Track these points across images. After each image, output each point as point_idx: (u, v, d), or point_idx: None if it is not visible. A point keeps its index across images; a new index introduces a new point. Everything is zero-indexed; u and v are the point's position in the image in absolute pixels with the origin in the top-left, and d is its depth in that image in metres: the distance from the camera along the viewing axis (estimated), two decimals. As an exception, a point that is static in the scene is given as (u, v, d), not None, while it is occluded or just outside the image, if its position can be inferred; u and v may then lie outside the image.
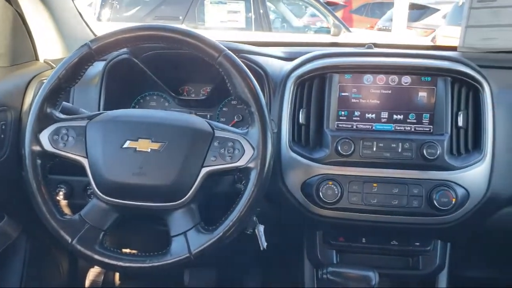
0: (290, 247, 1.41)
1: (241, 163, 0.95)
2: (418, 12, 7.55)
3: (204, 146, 0.96)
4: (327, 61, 1.18)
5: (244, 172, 0.96)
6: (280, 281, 1.65)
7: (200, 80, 1.35)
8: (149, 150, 0.95)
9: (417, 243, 1.24)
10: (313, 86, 1.18)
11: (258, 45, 1.38)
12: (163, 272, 0.96)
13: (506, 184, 1.13)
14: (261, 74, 1.21)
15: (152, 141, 0.96)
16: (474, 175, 1.11)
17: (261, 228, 1.10)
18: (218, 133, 0.98)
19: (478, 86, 1.13)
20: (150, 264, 0.95)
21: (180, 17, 5.26)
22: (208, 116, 1.35)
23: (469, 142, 1.14)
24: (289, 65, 1.23)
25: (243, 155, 0.95)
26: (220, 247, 0.95)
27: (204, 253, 0.94)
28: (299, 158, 1.15)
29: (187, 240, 0.95)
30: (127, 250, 1.22)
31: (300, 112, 1.17)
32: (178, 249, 0.95)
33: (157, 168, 0.95)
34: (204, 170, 0.96)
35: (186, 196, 0.96)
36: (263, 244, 1.11)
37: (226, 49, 0.96)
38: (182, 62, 1.25)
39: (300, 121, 1.17)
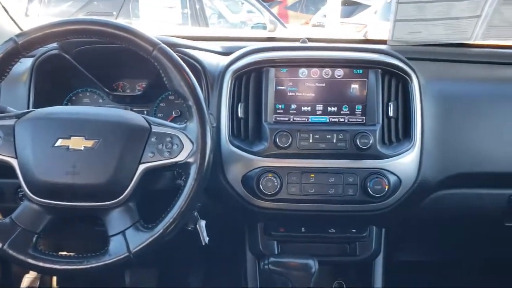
0: (232, 240, 1.41)
1: (180, 158, 0.94)
2: (350, 8, 7.78)
3: (140, 142, 0.95)
4: (263, 55, 1.19)
5: (183, 167, 0.95)
6: (223, 275, 1.65)
7: (135, 75, 1.32)
8: (82, 148, 0.92)
9: (354, 230, 1.29)
10: (251, 80, 1.19)
11: (194, 40, 1.37)
12: (103, 273, 0.94)
13: (435, 171, 1.20)
14: (198, 68, 1.20)
15: (86, 139, 0.93)
16: (405, 163, 1.16)
17: (202, 223, 1.09)
18: (155, 129, 0.96)
19: (407, 78, 1.19)
20: (88, 266, 0.92)
21: (114, 13, 5.12)
22: (145, 112, 1.32)
23: (400, 131, 1.19)
24: (226, 59, 1.23)
25: (182, 150, 0.95)
26: (160, 244, 0.94)
27: (144, 252, 0.93)
28: (239, 151, 1.16)
29: (126, 239, 0.93)
30: (64, 253, 1.17)
31: (239, 106, 1.18)
32: (116, 249, 0.93)
33: (91, 166, 0.93)
34: (141, 167, 0.94)
35: (124, 195, 0.94)
36: (205, 239, 1.11)
37: (161, 43, 0.95)
38: (115, 57, 1.22)
39: (239, 115, 1.18)
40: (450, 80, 1.33)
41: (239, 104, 1.18)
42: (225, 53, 1.31)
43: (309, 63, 1.19)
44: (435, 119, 1.20)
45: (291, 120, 1.19)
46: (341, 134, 1.16)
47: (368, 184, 1.14)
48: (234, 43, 1.40)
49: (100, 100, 1.33)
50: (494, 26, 1.43)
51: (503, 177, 1.23)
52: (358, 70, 1.19)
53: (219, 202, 1.23)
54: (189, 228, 1.07)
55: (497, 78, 1.36)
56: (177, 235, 0.96)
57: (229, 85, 1.17)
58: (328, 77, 1.19)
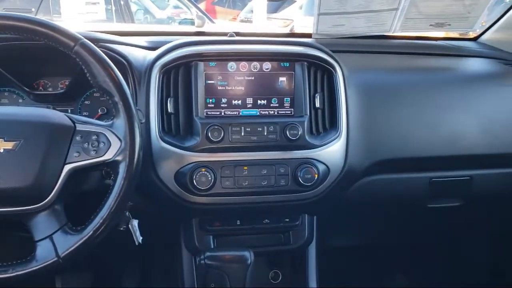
0: (167, 238, 1.40)
1: (107, 156, 0.91)
2: (277, 3, 7.91)
3: (64, 141, 0.91)
4: (191, 49, 1.18)
5: (111, 166, 0.92)
6: (160, 274, 1.63)
7: (57, 73, 1.26)
8: (1, 150, 0.87)
9: (287, 220, 1.31)
10: (179, 75, 1.18)
11: (119, 35, 1.33)
12: (32, 281, 0.89)
13: (361, 158, 1.25)
14: (124, 63, 1.17)
15: (5, 140, 0.88)
16: (332, 152, 1.20)
17: (135, 222, 1.07)
18: (79, 127, 0.93)
19: (331, 69, 1.22)
20: (14, 273, 0.87)
21: (33, 9, 4.85)
22: (69, 110, 1.26)
23: (326, 122, 1.23)
24: (153, 54, 1.21)
25: (109, 148, 0.92)
26: (91, 247, 0.91)
27: (74, 255, 0.89)
28: (170, 147, 1.14)
29: (53, 243, 0.89)
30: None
31: (168, 101, 1.16)
32: (44, 254, 0.89)
33: (13, 169, 0.88)
34: (67, 168, 0.91)
35: (49, 197, 0.90)
36: (138, 238, 1.08)
37: (83, 38, 0.91)
38: (35, 54, 1.16)
39: (169, 110, 1.16)
40: (372, 70, 1.39)
41: (169, 99, 1.16)
42: (152, 47, 1.29)
43: (238, 56, 1.19)
44: (359, 109, 1.25)
45: (222, 114, 1.19)
46: (272, 127, 1.18)
47: (298, 174, 1.17)
48: (161, 38, 1.38)
49: (20, 100, 1.26)
50: (411, 19, 1.51)
51: (424, 161, 1.30)
52: (285, 63, 1.21)
53: (152, 200, 1.20)
54: (121, 229, 1.04)
55: (415, 68, 1.45)
56: (110, 236, 0.93)
57: (157, 80, 1.15)
58: (257, 70, 1.20)
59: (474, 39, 1.71)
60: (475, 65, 1.52)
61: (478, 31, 1.69)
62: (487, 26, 1.66)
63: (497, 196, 1.40)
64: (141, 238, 1.08)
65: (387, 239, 1.75)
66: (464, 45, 1.65)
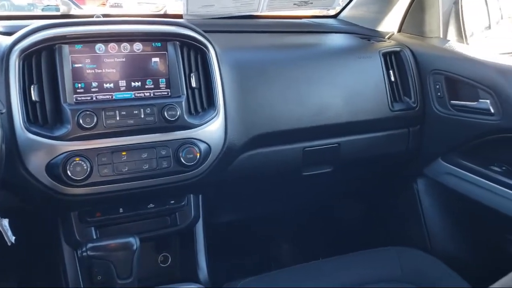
0: (45, 235, 1.31)
1: None
2: (148, -13, 7.67)
3: None
4: (54, 32, 1.10)
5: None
6: (40, 273, 1.52)
7: None
8: None
9: (172, 201, 1.31)
10: (42, 60, 1.10)
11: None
12: None
13: (239, 134, 1.29)
14: None
15: None
16: (212, 130, 1.22)
17: (4, 222, 0.99)
18: None
19: (204, 49, 1.23)
20: None
21: None
22: None
23: (204, 101, 1.24)
24: (10, 39, 1.11)
25: None
26: None
27: None
28: (38, 138, 1.06)
29: None
30: None
31: (32, 89, 1.08)
32: None
33: None
34: None
35: None
36: (11, 238, 1.01)
37: None
38: None
39: (33, 98, 1.08)
40: (244, 49, 1.43)
41: (32, 86, 1.08)
42: (9, 33, 1.18)
43: (105, 37, 1.14)
44: (234, 86, 1.28)
45: (94, 98, 1.14)
46: (148, 109, 1.16)
47: (180, 155, 1.17)
48: (19, 22, 1.27)
49: None
50: (277, -1, 1.58)
51: (296, 133, 1.38)
52: (156, 44, 1.19)
53: (23, 196, 1.12)
54: None
55: (283, 45, 1.52)
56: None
57: (16, 67, 1.06)
58: (127, 51, 1.17)
59: (335, 16, 1.84)
60: (336, 40, 1.64)
61: (338, 9, 1.82)
62: (345, 4, 1.80)
63: (362, 159, 1.54)
64: (13, 238, 1.01)
65: (270, 210, 1.83)
66: (326, 22, 1.78)
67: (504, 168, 1.36)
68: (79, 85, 1.12)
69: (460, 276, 1.21)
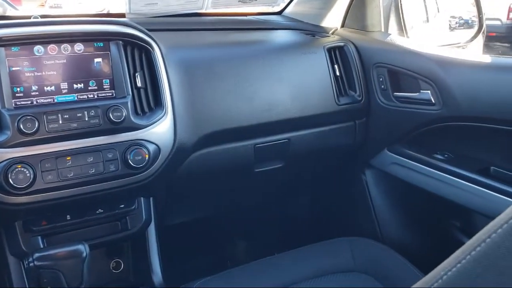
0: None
1: None
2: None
3: None
4: None
5: None
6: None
7: None
8: None
9: (122, 205, 1.27)
10: None
11: None
12: None
13: (189, 133, 1.27)
14: None
15: None
16: (160, 131, 1.20)
17: None
18: None
19: (149, 47, 1.21)
20: None
21: None
22: None
23: (151, 101, 1.21)
24: None
25: None
26: None
27: None
28: None
29: None
30: None
31: None
32: None
33: None
34: None
35: None
36: None
37: None
38: None
39: None
40: (190, 48, 1.42)
41: None
42: None
43: (44, 39, 1.10)
44: (181, 85, 1.26)
45: (35, 103, 1.09)
46: (92, 111, 1.12)
47: (128, 157, 1.14)
48: None
49: None
50: (221, -4, 1.57)
51: (247, 130, 1.38)
52: (98, 44, 1.15)
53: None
54: None
55: (228, 42, 1.51)
56: None
57: None
58: (68, 52, 1.12)
59: (279, 13, 1.86)
60: (282, 36, 1.66)
61: (282, 6, 1.84)
62: (289, 1, 1.82)
63: (312, 153, 1.56)
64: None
65: (224, 209, 1.83)
66: (271, 19, 1.79)
67: (446, 155, 1.41)
68: (18, 89, 1.07)
69: (410, 262, 1.25)
